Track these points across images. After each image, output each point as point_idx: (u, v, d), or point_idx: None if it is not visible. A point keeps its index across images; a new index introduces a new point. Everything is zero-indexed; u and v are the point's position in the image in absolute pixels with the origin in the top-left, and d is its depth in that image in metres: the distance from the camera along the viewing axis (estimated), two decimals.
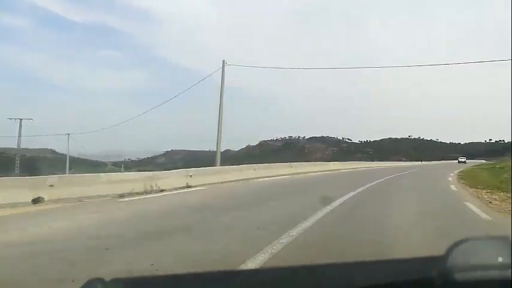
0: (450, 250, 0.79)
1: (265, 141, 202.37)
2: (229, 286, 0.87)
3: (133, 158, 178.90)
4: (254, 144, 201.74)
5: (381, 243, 5.21)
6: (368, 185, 14.16)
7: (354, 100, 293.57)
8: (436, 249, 0.89)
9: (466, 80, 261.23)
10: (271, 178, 17.24)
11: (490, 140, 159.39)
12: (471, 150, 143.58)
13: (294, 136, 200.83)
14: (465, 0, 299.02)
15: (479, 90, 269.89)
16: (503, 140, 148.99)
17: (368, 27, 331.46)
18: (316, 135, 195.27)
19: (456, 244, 0.80)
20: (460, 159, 72.16)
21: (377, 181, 16.43)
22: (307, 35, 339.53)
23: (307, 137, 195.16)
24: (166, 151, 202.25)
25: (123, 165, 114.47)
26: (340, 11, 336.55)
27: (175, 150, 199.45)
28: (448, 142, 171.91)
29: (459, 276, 0.74)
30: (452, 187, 14.80)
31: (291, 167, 20.54)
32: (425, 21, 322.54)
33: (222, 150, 25.28)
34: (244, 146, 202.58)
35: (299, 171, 20.47)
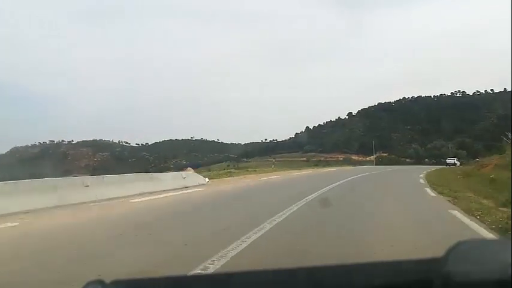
0: (449, 251, 0.78)
1: (17, 147, 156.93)
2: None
3: None
4: (3, 152, 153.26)
5: None
6: None
7: (135, 100, 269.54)
8: (436, 251, 0.88)
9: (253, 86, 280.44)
10: None
11: (266, 139, 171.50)
12: (249, 149, 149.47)
13: (56, 140, 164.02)
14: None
15: (257, 96, 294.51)
16: (276, 140, 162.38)
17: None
18: (87, 139, 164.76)
19: (455, 246, 0.79)
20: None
21: None
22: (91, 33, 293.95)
23: (75, 141, 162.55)
24: None
25: None
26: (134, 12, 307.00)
27: None
28: (229, 142, 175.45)
29: (458, 277, 0.74)
30: None
31: None
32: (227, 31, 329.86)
33: None
34: None
35: None
